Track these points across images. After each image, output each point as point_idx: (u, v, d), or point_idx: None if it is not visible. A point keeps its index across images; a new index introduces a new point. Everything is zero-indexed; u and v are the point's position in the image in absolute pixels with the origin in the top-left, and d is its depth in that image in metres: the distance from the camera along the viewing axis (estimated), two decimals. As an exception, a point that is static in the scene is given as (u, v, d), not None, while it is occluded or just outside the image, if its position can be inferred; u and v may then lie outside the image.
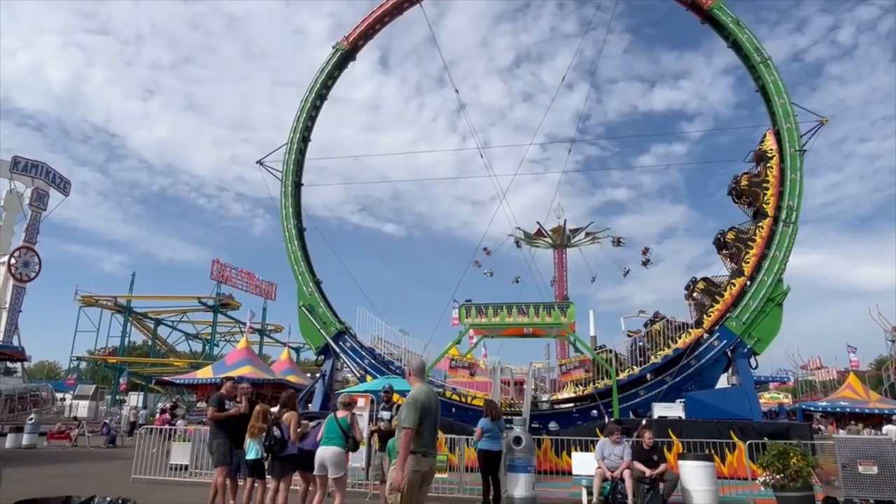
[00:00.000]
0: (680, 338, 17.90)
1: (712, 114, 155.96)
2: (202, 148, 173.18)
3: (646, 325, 20.01)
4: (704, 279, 19.03)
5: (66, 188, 40.28)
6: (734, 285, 17.87)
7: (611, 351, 19.44)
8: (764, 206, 18.18)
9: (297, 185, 22.74)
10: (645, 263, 31.69)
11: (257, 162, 22.80)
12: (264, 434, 7.75)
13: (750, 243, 18.13)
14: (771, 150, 18.75)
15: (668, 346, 17.86)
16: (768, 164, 18.44)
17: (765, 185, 18.38)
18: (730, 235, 18.73)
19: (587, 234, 46.20)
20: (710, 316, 17.82)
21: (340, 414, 7.70)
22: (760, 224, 18.11)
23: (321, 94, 23.60)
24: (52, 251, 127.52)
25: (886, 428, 20.90)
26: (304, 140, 23.20)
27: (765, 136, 19.46)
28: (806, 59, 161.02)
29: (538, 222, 45.80)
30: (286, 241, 21.63)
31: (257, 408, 8.07)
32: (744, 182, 18.77)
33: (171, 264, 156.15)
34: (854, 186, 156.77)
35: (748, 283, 17.65)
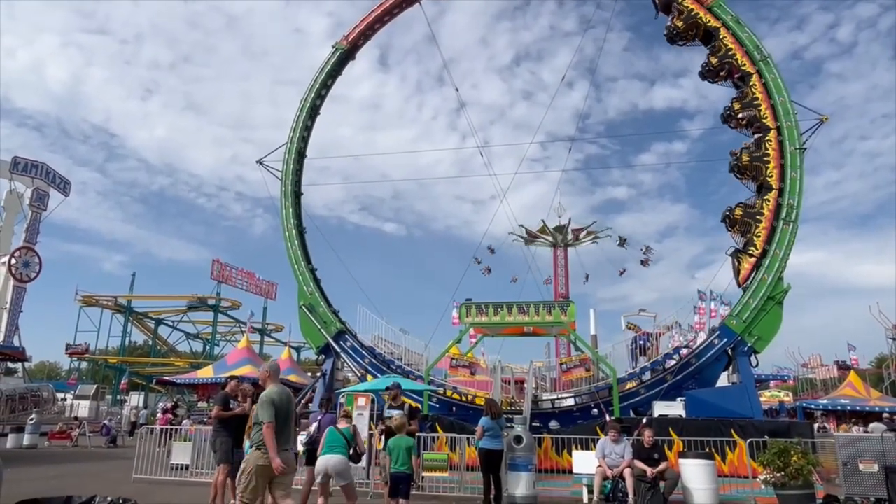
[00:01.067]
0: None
1: (712, 112, 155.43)
2: (202, 147, 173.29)
3: (725, 220, 19.60)
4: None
5: (66, 188, 40.28)
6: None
7: None
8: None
9: (297, 185, 22.77)
10: (644, 263, 31.65)
11: (257, 161, 22.84)
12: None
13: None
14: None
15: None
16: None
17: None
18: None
19: (588, 233, 46.16)
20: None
21: (342, 424, 7.71)
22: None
23: (321, 93, 23.62)
24: (52, 251, 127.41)
25: (873, 426, 20.86)
26: (304, 140, 23.23)
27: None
28: (805, 57, 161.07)
29: (543, 220, 45.67)
30: (286, 240, 21.65)
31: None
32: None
33: (171, 264, 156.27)
34: (854, 184, 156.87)
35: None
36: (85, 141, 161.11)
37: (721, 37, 19.57)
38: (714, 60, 19.70)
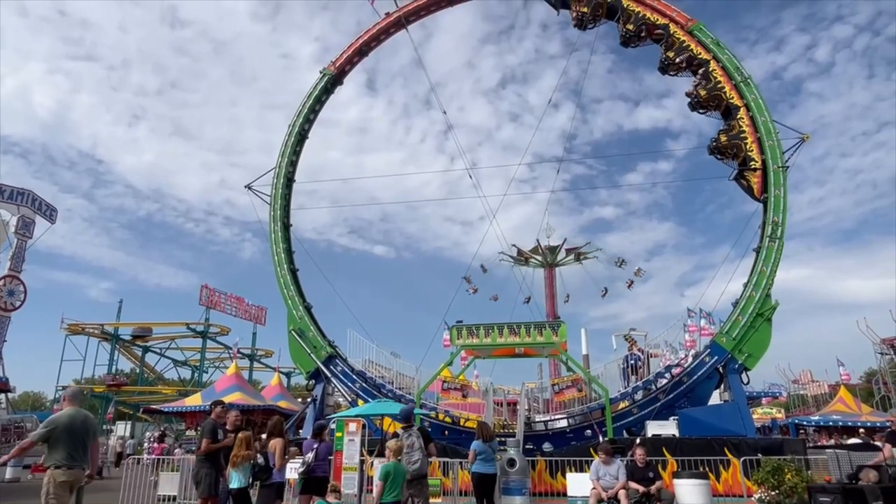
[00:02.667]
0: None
1: (696, 132, 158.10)
2: (190, 172, 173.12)
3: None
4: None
5: (52, 216, 39.94)
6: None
7: None
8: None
9: (286, 209, 22.74)
10: (629, 285, 31.81)
11: (246, 186, 22.80)
12: (249, 462, 7.54)
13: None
14: (695, 49, 19.95)
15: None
16: (738, 116, 19.04)
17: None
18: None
19: (572, 252, 46.44)
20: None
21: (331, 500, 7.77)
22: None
23: (309, 118, 23.73)
24: (37, 279, 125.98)
25: (852, 441, 20.86)
26: (293, 164, 23.26)
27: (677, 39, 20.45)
28: (785, 77, 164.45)
29: (538, 240, 45.90)
30: (275, 264, 21.54)
31: (239, 436, 7.77)
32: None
33: (158, 290, 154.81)
34: (837, 201, 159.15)
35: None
36: (71, 167, 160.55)
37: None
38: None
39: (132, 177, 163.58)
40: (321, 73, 23.88)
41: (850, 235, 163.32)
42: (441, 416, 18.72)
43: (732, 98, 19.16)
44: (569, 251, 46.86)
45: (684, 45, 20.01)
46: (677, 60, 20.08)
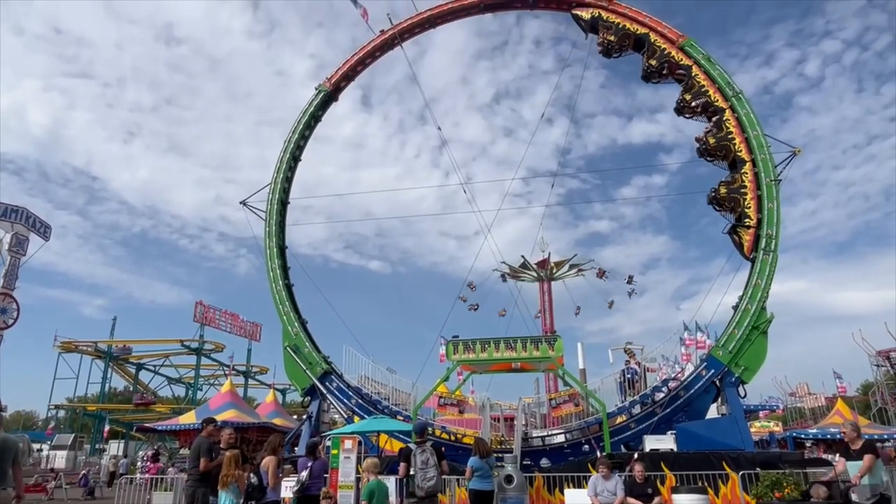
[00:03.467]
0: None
1: (689, 145, 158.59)
2: (185, 189, 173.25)
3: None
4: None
5: (46, 233, 39.71)
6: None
7: None
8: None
9: (281, 225, 22.72)
10: (630, 294, 31.91)
11: (241, 202, 22.81)
12: (237, 482, 7.36)
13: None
14: (594, 13, 20.93)
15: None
16: (742, 171, 18.94)
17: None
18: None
19: (571, 267, 46.50)
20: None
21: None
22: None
23: (304, 134, 23.81)
24: (30, 297, 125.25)
25: (836, 458, 20.77)
26: (288, 180, 23.30)
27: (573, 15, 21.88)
28: (776, 92, 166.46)
29: (523, 256, 46.06)
30: (270, 281, 21.47)
31: (227, 454, 7.54)
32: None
33: (153, 307, 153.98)
34: (830, 213, 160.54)
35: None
36: (65, 184, 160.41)
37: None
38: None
39: (127, 193, 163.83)
40: (316, 89, 24.01)
41: (844, 247, 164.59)
42: (438, 433, 18.58)
43: (741, 151, 19.06)
44: (558, 265, 46.98)
45: (703, 89, 19.93)
46: (693, 104, 20.03)
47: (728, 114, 19.49)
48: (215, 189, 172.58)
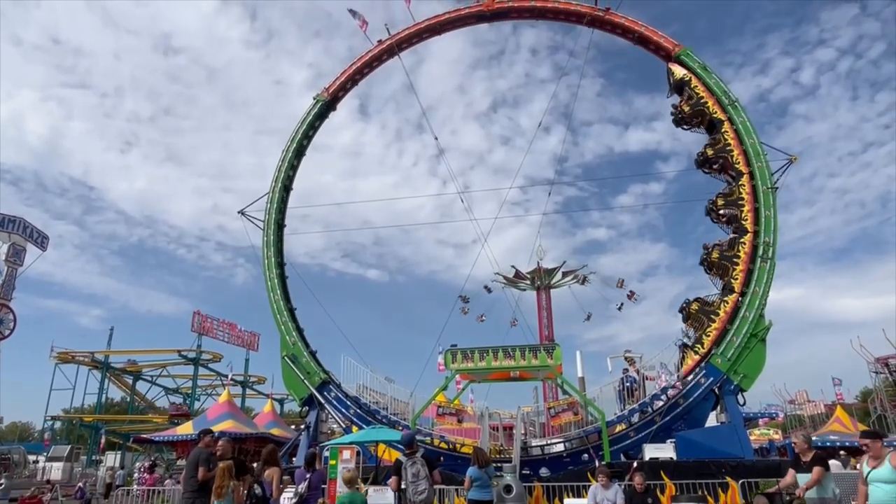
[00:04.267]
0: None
1: (686, 153, 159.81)
2: (182, 198, 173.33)
3: (682, 311, 19.58)
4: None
5: (43, 243, 39.62)
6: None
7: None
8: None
9: (279, 235, 22.71)
10: (630, 296, 32.04)
11: (239, 212, 22.83)
12: (232, 493, 7.29)
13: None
14: (685, 76, 20.20)
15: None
16: (741, 240, 18.48)
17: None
18: (714, 255, 18.98)
19: (564, 274, 46.61)
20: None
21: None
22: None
23: (302, 143, 23.86)
24: (27, 307, 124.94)
25: (831, 462, 20.66)
26: (286, 189, 23.31)
27: (668, 69, 20.91)
28: (771, 100, 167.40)
29: (513, 266, 46.43)
30: (268, 290, 21.43)
31: (221, 465, 7.45)
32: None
33: (150, 317, 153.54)
34: (827, 220, 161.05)
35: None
36: (62, 194, 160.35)
37: (693, 86, 20.36)
38: (686, 108, 20.38)
39: (124, 203, 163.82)
40: (315, 99, 24.09)
41: (841, 254, 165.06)
42: (437, 442, 18.50)
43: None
44: (552, 271, 47.10)
45: (701, 100, 20.05)
46: (721, 211, 19.55)
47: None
48: (213, 198, 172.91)
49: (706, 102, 19.97)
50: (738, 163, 19.09)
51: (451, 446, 18.37)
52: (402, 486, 8.17)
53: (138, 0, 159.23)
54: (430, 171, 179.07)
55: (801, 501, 6.91)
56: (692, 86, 20.36)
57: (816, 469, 6.94)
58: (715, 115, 19.79)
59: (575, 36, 23.24)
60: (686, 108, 20.40)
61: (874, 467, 6.08)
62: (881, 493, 5.94)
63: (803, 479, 7.04)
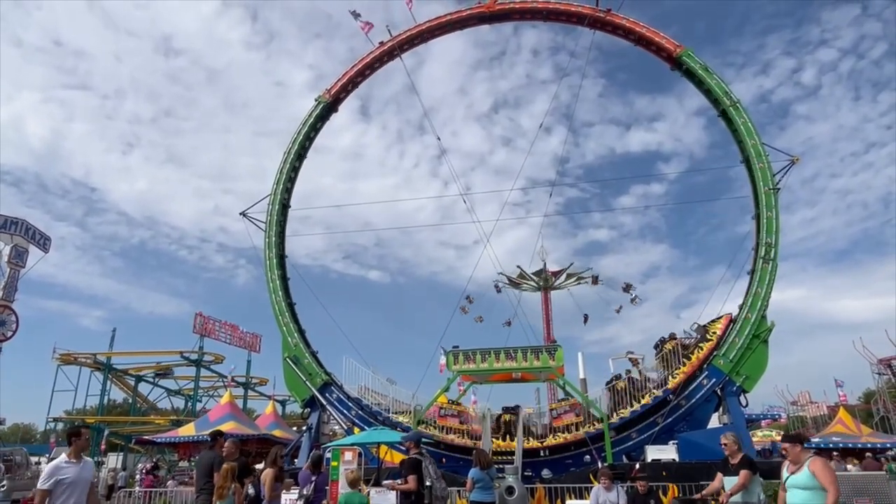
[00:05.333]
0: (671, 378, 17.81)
1: (687, 154, 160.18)
2: (183, 199, 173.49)
3: (656, 347, 19.45)
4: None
5: (45, 245, 39.73)
6: (701, 349, 17.84)
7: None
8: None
9: (281, 236, 22.74)
10: (633, 300, 32.00)
11: (241, 213, 22.86)
12: (233, 495, 7.29)
13: (684, 360, 17.91)
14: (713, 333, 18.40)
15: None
16: (700, 345, 18.04)
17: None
18: (668, 346, 18.66)
19: (569, 276, 46.52)
20: (675, 378, 17.57)
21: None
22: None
23: (304, 145, 23.88)
24: (29, 309, 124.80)
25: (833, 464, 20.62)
26: (288, 191, 23.34)
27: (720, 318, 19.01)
28: (773, 100, 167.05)
29: (519, 266, 46.19)
30: (270, 291, 21.45)
31: (225, 467, 7.47)
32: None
33: (151, 318, 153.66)
34: (829, 221, 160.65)
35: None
36: (64, 196, 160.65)
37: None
38: None
39: (125, 204, 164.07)
40: (316, 100, 24.11)
41: (843, 255, 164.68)
42: (443, 436, 18.46)
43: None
44: (556, 274, 47.01)
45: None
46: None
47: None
48: (214, 200, 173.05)
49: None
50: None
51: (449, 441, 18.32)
52: (427, 484, 8.04)
53: (139, 2, 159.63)
54: (431, 173, 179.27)
55: None
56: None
57: (743, 473, 6.60)
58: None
59: (576, 37, 23.31)
60: None
61: (793, 472, 5.82)
62: (798, 499, 5.68)
63: (730, 482, 6.68)
